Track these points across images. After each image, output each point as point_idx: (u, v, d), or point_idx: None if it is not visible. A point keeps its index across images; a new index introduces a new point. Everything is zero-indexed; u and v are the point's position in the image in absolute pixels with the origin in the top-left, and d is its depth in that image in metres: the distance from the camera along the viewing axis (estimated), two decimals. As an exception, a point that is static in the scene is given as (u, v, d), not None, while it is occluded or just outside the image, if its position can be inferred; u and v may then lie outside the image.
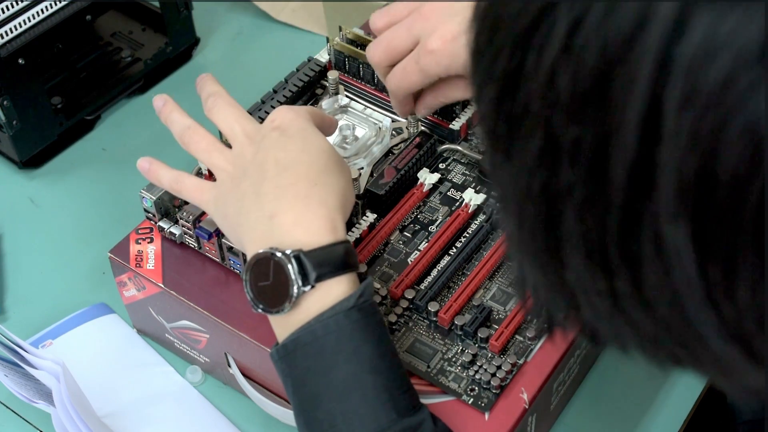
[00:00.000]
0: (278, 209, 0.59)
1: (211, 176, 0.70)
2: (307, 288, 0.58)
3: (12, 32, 0.85)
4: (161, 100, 0.68)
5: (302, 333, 0.58)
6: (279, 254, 0.58)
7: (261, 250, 0.59)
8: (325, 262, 0.58)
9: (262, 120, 0.76)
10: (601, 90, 0.31)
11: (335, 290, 0.58)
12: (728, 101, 0.29)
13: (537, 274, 0.39)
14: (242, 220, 0.61)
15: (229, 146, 0.65)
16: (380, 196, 0.72)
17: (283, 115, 0.63)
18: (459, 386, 0.64)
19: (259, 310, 0.60)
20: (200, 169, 0.73)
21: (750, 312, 0.32)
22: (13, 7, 0.84)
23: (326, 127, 0.67)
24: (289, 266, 0.57)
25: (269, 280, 0.58)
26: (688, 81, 0.29)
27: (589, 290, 0.36)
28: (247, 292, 0.60)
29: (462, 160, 0.77)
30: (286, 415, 0.70)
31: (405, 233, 0.72)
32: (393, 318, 0.67)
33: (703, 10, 0.29)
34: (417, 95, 0.73)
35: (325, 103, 0.78)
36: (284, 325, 0.59)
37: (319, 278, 0.58)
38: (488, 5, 0.36)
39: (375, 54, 0.69)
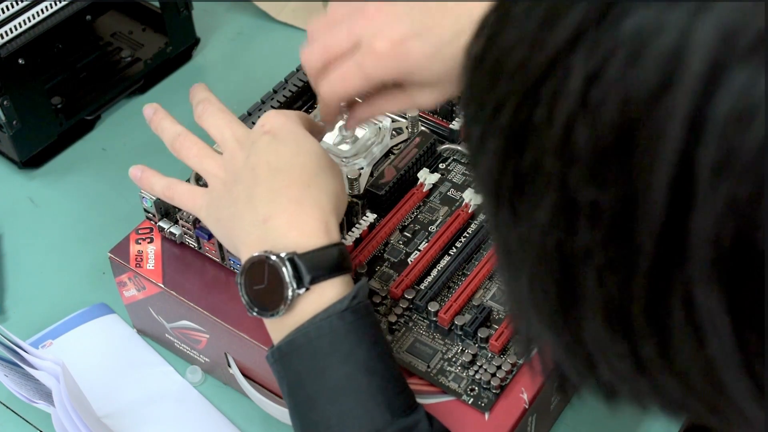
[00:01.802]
0: (272, 212, 0.59)
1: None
2: (302, 290, 0.58)
3: (12, 32, 0.84)
4: (151, 109, 0.68)
5: (296, 335, 0.58)
6: (273, 257, 0.58)
7: (255, 254, 0.59)
8: (319, 265, 0.58)
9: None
10: (624, 149, 0.29)
11: (329, 292, 0.58)
12: None
13: (547, 333, 0.36)
14: (236, 224, 0.61)
15: (221, 153, 0.65)
16: (380, 196, 0.72)
17: (273, 119, 0.63)
18: (459, 386, 0.64)
19: (254, 314, 0.60)
20: (197, 174, 0.72)
21: None
22: (13, 7, 0.84)
23: (316, 132, 0.66)
24: (284, 269, 0.57)
25: (264, 284, 0.58)
26: (723, 144, 0.27)
27: (608, 352, 0.33)
28: (242, 296, 0.60)
29: (462, 160, 0.77)
30: (285, 415, 0.70)
31: (405, 233, 0.72)
32: (393, 318, 0.67)
33: (737, 67, 0.27)
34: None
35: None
36: (279, 327, 0.59)
37: (314, 281, 0.58)
38: (485, 48, 0.33)
39: (311, 58, 0.61)
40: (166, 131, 0.67)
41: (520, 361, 0.64)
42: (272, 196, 0.60)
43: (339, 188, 0.63)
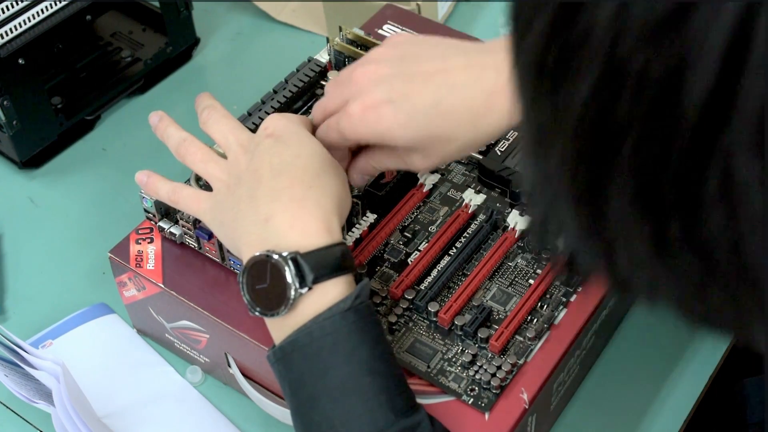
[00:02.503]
0: (274, 212, 0.60)
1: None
2: (304, 290, 0.58)
3: (12, 32, 0.84)
4: (156, 117, 0.69)
5: (299, 335, 0.58)
6: (276, 256, 0.58)
7: (257, 253, 0.59)
8: (321, 264, 0.58)
9: (260, 120, 0.76)
10: (680, 15, 0.29)
11: (332, 292, 0.58)
12: None
13: (568, 217, 0.36)
14: (238, 224, 0.61)
15: (225, 158, 0.65)
16: (380, 196, 0.72)
17: (276, 122, 0.64)
18: (459, 386, 0.64)
19: (256, 313, 0.60)
20: (197, 175, 0.72)
21: None
22: (13, 7, 0.84)
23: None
24: (287, 268, 0.57)
25: (266, 283, 0.58)
26: None
27: (630, 234, 0.33)
28: (243, 296, 0.60)
29: (462, 161, 0.77)
30: (285, 415, 0.70)
31: (405, 234, 0.72)
32: (393, 318, 0.67)
33: None
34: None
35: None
36: (281, 327, 0.59)
37: (316, 280, 0.58)
38: None
39: (314, 114, 0.67)
40: (171, 137, 0.68)
41: (521, 361, 0.64)
42: (274, 195, 0.60)
43: (342, 189, 0.63)
